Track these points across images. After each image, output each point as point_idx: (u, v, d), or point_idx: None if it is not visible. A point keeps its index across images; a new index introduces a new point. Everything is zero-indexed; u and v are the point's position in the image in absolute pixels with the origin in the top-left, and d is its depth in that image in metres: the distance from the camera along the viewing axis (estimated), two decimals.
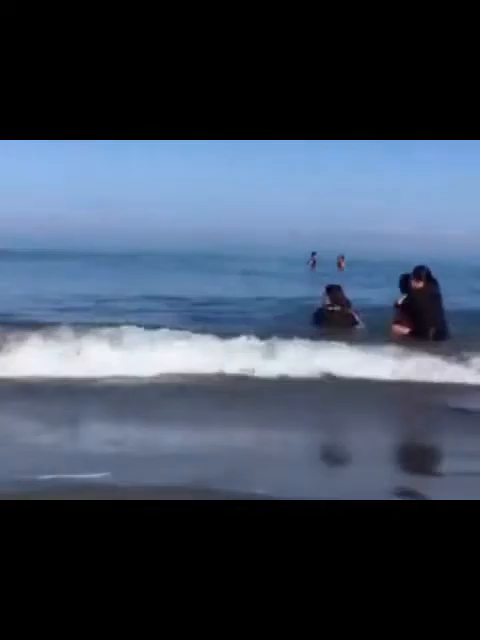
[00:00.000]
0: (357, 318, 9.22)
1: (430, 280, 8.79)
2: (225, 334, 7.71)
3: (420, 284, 8.71)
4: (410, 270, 8.82)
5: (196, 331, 7.65)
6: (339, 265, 31.24)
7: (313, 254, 32.43)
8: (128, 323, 7.68)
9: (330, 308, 9.14)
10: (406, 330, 8.70)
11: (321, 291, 9.37)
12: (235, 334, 7.51)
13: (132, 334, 7.21)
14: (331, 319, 9.04)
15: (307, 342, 7.30)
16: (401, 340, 8.55)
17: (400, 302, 8.87)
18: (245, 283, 20.86)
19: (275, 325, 9.86)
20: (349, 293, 9.51)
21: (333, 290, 9.28)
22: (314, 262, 31.90)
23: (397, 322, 8.80)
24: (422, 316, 8.65)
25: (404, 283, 8.92)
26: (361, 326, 9.17)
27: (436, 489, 3.78)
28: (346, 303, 9.25)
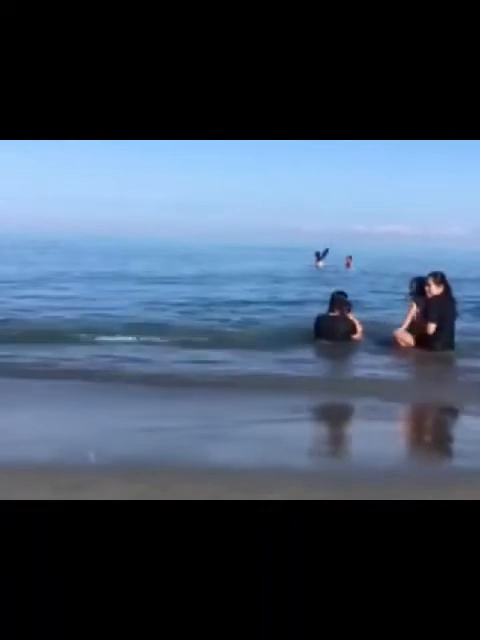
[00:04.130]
0: (357, 327, 8.91)
1: (446, 286, 8.41)
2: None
3: (440, 289, 8.33)
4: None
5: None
6: (347, 265, 31.23)
7: (316, 254, 32.36)
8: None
9: (328, 316, 8.94)
10: (411, 339, 8.36)
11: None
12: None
13: None
14: (325, 329, 8.82)
15: None
16: (405, 350, 8.27)
17: (416, 308, 8.44)
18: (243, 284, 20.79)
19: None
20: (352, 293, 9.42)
21: (334, 299, 9.02)
22: (319, 262, 31.85)
23: (413, 325, 8.41)
24: (436, 324, 8.21)
25: (419, 287, 8.50)
26: (357, 336, 8.84)
27: (436, 489, 3.78)
28: (348, 310, 8.93)
